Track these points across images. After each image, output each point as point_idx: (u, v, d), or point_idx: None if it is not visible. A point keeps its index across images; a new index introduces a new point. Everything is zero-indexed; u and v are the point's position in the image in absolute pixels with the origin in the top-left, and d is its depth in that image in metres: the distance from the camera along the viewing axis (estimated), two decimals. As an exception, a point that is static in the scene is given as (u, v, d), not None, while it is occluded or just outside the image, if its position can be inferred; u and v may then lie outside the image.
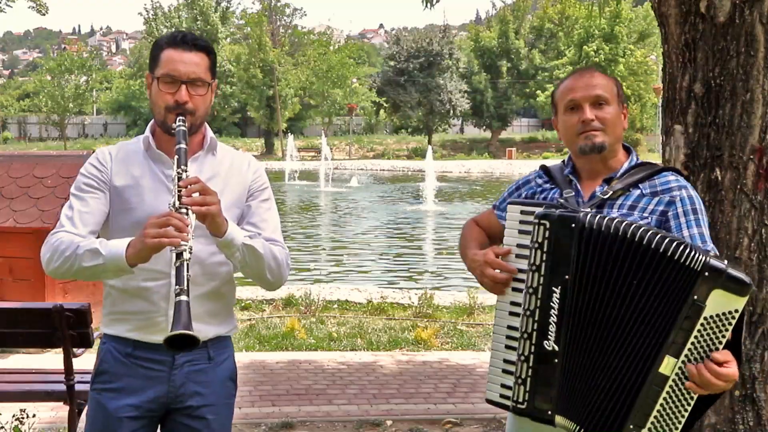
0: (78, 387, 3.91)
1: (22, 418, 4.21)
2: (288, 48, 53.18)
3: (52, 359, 5.78)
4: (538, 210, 2.12)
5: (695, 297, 1.92)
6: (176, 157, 2.23)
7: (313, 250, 14.43)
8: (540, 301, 2.08)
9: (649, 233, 1.98)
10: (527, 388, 2.11)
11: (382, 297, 8.67)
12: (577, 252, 2.04)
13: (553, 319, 2.06)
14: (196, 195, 2.15)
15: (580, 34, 48.74)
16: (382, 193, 27.08)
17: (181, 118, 2.28)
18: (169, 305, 2.30)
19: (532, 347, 2.09)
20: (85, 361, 4.39)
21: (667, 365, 1.95)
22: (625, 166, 2.27)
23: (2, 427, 4.22)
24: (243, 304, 8.23)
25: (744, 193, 3.16)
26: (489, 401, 2.24)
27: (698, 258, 1.93)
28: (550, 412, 2.09)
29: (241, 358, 6.15)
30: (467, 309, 8.08)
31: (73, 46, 62.40)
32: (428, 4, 7.01)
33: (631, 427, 1.99)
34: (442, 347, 6.90)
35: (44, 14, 23.38)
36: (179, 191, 2.15)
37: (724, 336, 1.93)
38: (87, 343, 3.97)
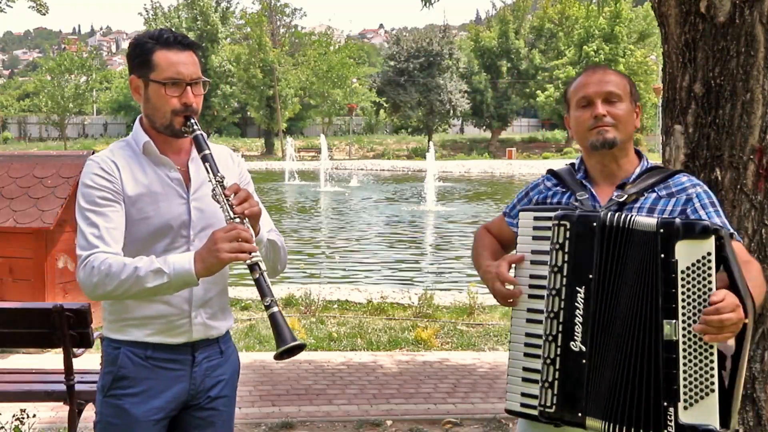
0: (78, 387, 3.90)
1: (22, 418, 4.21)
2: (288, 48, 53.14)
3: (52, 359, 5.78)
4: (557, 212, 2.11)
5: (662, 256, 1.96)
6: (207, 164, 2.21)
7: (313, 250, 14.43)
8: (564, 302, 2.06)
9: (634, 218, 2.05)
10: (555, 392, 2.06)
11: (382, 297, 8.67)
12: (599, 250, 2.04)
13: (579, 319, 2.04)
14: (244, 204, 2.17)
15: (580, 34, 48.70)
16: (382, 193, 27.07)
17: (192, 120, 2.25)
18: (192, 307, 2.31)
19: (558, 349, 2.06)
20: (85, 361, 4.40)
21: (669, 329, 1.95)
22: (638, 170, 2.28)
23: (2, 427, 4.22)
24: (243, 304, 8.22)
25: (744, 193, 3.16)
26: (510, 411, 2.18)
27: (650, 222, 2.00)
28: (580, 414, 2.03)
29: (241, 358, 6.09)
30: (467, 309, 8.08)
31: (73, 46, 62.37)
32: (427, 4, 7.01)
33: (665, 404, 1.94)
34: (442, 347, 6.90)
35: (44, 14, 23.35)
36: (227, 199, 2.14)
37: (710, 282, 1.94)
38: (87, 343, 3.96)
